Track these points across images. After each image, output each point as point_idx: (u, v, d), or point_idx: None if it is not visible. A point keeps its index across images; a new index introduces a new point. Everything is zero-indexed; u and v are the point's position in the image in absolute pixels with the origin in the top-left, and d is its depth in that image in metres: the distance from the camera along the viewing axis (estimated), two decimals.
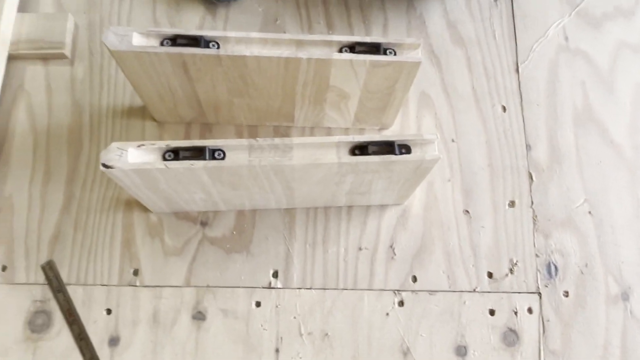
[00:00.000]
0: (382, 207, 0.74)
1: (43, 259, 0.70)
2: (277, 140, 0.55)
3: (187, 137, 0.75)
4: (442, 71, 0.81)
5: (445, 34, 0.83)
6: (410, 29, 0.83)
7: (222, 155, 0.55)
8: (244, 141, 0.55)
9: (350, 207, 0.74)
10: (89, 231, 0.71)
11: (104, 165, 0.53)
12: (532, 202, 0.75)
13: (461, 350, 0.68)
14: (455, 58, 0.82)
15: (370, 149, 0.55)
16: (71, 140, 0.75)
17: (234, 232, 0.72)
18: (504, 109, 0.80)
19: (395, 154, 0.55)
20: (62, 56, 0.77)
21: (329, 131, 0.76)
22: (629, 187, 0.76)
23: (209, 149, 0.54)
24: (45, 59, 0.78)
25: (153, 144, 0.54)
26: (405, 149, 0.56)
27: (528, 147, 0.78)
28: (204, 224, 0.72)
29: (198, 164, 0.54)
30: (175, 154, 0.54)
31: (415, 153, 0.56)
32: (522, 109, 0.80)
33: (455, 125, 0.78)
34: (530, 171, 0.77)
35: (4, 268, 0.69)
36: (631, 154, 0.78)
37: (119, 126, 0.76)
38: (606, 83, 0.81)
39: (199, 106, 0.70)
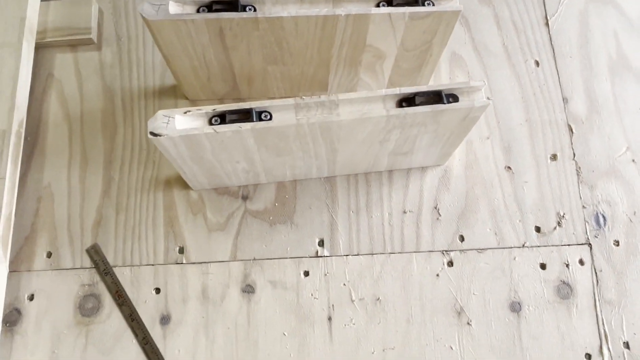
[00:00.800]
0: (423, 169, 0.73)
1: (87, 244, 0.69)
2: (323, 97, 0.54)
3: None
4: (471, 30, 0.80)
5: None
6: None
7: (268, 116, 0.54)
8: (290, 100, 0.54)
9: (390, 172, 0.73)
10: (131, 212, 0.71)
11: (152, 134, 0.52)
12: (574, 154, 0.74)
13: (515, 306, 0.67)
14: (483, 17, 0.81)
15: (418, 99, 0.54)
16: (105, 125, 0.75)
17: (276, 204, 0.71)
18: (537, 63, 0.78)
19: (444, 103, 0.54)
20: (89, 42, 0.77)
21: None
22: None
23: (255, 111, 0.54)
24: (72, 45, 0.78)
25: (199, 109, 0.53)
26: (453, 97, 0.55)
27: (565, 100, 0.77)
28: (245, 197, 0.71)
29: (246, 125, 0.53)
30: (221, 118, 0.54)
31: (463, 101, 0.55)
32: (555, 62, 0.78)
33: (489, 83, 0.77)
34: (570, 123, 0.76)
35: (50, 255, 0.69)
36: None
37: (152, 106, 0.75)
38: (638, 30, 0.80)
39: (232, 79, 0.69)
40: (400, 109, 0.54)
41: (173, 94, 0.76)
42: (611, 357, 0.65)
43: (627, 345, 0.66)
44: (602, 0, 0.82)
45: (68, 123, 0.75)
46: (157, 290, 0.68)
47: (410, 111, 0.54)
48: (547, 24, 0.80)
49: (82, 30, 0.76)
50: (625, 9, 0.81)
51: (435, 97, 0.55)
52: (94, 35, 0.77)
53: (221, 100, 0.75)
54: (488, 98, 0.76)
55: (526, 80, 0.78)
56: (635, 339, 0.66)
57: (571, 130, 0.75)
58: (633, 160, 0.74)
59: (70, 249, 0.69)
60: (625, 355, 0.65)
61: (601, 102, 0.77)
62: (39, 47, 0.77)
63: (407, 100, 0.55)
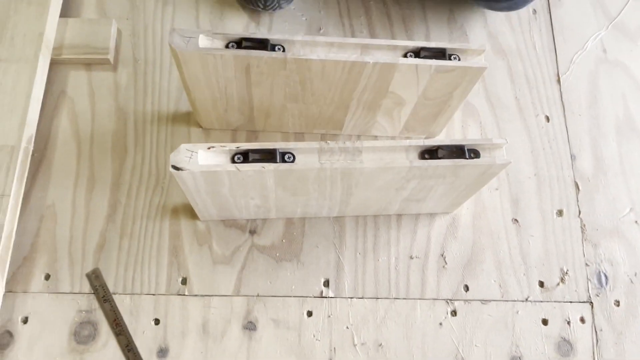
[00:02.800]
0: (431, 215, 0.73)
1: (88, 268, 0.68)
2: (348, 144, 0.54)
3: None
4: (485, 81, 0.81)
5: (486, 45, 0.83)
6: (452, 40, 0.83)
7: (291, 158, 0.54)
8: (314, 144, 0.54)
9: (399, 216, 0.73)
10: (135, 239, 0.69)
11: (174, 167, 0.52)
12: (580, 212, 0.75)
13: None
14: (497, 69, 0.82)
15: (440, 152, 0.55)
16: (115, 147, 0.74)
17: (284, 241, 0.71)
18: (547, 119, 0.80)
19: (466, 158, 0.55)
20: (105, 62, 0.76)
21: (375, 139, 0.76)
22: None
23: (279, 152, 0.53)
24: (88, 64, 0.77)
25: (224, 146, 0.53)
26: (474, 153, 0.55)
27: (573, 157, 0.78)
28: (252, 232, 0.71)
29: (269, 166, 0.53)
30: (244, 156, 0.53)
31: (485, 157, 0.55)
32: (565, 119, 0.80)
33: (500, 134, 0.78)
34: (576, 180, 0.77)
35: (48, 277, 0.67)
36: None
37: (164, 132, 0.75)
38: None
39: (250, 112, 0.69)
40: (424, 161, 0.54)
41: (186, 120, 0.75)
42: None
43: None
44: (612, 62, 0.84)
45: (77, 142, 0.73)
46: (157, 322, 0.66)
47: (433, 164, 0.54)
48: (558, 81, 0.82)
49: (100, 50, 0.76)
50: (634, 72, 0.84)
51: (458, 151, 0.55)
52: (111, 56, 0.76)
53: (234, 131, 0.75)
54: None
55: (536, 134, 0.79)
56: None
57: (577, 187, 0.77)
58: (636, 222, 0.75)
59: (69, 272, 0.67)
60: None
61: (607, 162, 0.78)
62: (54, 64, 0.76)
63: (429, 152, 0.55)
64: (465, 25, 0.84)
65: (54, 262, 0.68)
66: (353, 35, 0.82)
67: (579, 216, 0.75)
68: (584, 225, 0.75)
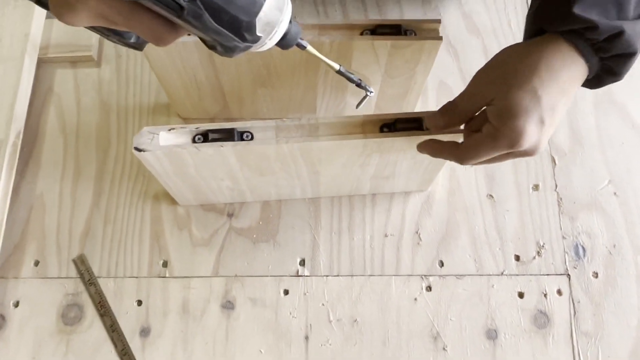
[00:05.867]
0: (406, 194, 0.74)
1: (74, 254, 0.71)
2: (304, 120, 0.56)
3: None
4: (460, 60, 0.82)
5: (461, 25, 0.84)
6: None
7: (250, 136, 0.56)
8: (271, 122, 0.56)
9: (374, 195, 0.74)
10: (119, 225, 0.72)
11: (137, 149, 0.54)
12: (557, 185, 0.75)
13: (492, 334, 0.68)
14: (471, 47, 0.83)
15: (399, 125, 0.56)
16: (99, 139, 0.77)
17: (260, 223, 0.73)
18: None
19: (423, 130, 0.56)
20: (89, 59, 0.80)
21: None
22: None
23: (237, 131, 0.55)
24: (73, 62, 0.81)
25: (183, 127, 0.55)
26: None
27: None
28: (230, 215, 0.73)
29: (227, 144, 0.55)
30: (204, 136, 0.56)
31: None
32: None
33: None
34: (553, 155, 0.77)
35: (37, 263, 0.70)
36: None
37: (145, 123, 0.78)
38: None
39: (223, 99, 0.72)
40: (377, 135, 0.56)
41: (166, 112, 0.78)
42: None
43: None
44: None
45: (64, 136, 0.77)
46: (139, 303, 0.69)
47: (388, 138, 0.56)
48: None
49: (83, 48, 0.79)
50: None
51: (415, 124, 0.56)
52: (94, 53, 0.80)
53: (212, 120, 0.77)
54: None
55: None
56: None
57: (554, 161, 0.77)
58: (615, 194, 0.75)
59: (57, 258, 0.71)
60: None
61: (584, 135, 0.78)
62: (41, 62, 0.80)
63: (388, 126, 0.57)
64: (440, 6, 0.85)
65: (42, 249, 0.71)
66: None
67: (555, 190, 0.75)
68: (561, 199, 0.75)
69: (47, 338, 0.67)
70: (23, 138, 0.75)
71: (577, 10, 0.44)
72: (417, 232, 0.73)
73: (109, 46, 0.83)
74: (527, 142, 0.45)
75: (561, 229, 0.73)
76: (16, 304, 0.69)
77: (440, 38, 0.59)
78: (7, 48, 0.76)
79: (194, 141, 0.56)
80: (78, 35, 0.80)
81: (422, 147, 0.55)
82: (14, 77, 0.75)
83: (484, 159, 0.49)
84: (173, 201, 0.73)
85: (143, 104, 0.79)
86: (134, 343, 0.67)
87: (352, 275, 0.70)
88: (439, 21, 0.60)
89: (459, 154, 0.50)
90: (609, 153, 0.77)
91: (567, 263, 0.71)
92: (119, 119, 0.78)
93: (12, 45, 0.76)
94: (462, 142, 0.51)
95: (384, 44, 0.60)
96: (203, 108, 0.74)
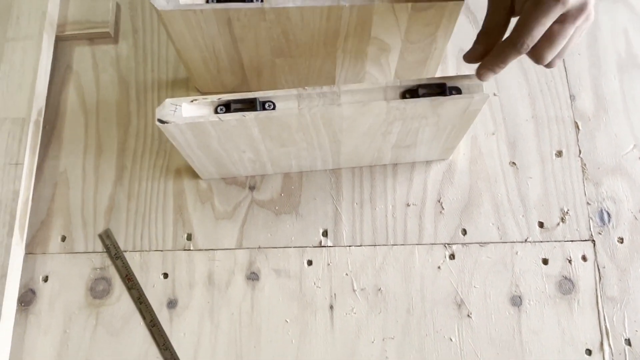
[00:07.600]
0: (427, 163, 0.74)
1: (100, 229, 0.72)
2: (325, 88, 0.55)
3: None
4: (479, 27, 0.80)
5: None
6: None
7: (272, 106, 0.56)
8: (293, 90, 0.55)
9: (395, 165, 0.74)
10: (142, 200, 0.73)
11: (160, 121, 0.55)
12: (580, 151, 0.74)
13: (516, 300, 0.68)
14: None
15: (421, 91, 0.55)
16: (120, 115, 0.77)
17: (282, 195, 0.73)
18: None
19: (446, 95, 0.55)
20: (106, 35, 0.80)
21: None
22: None
23: (259, 101, 0.55)
24: (91, 39, 0.81)
25: (205, 98, 0.55)
26: (456, 90, 0.56)
27: (572, 97, 0.77)
28: (252, 188, 0.73)
29: (249, 114, 0.55)
30: (227, 107, 0.56)
31: (464, 94, 0.56)
32: (563, 60, 0.79)
33: (496, 79, 0.78)
34: (576, 120, 0.76)
35: (64, 238, 0.72)
36: None
37: (164, 98, 0.77)
38: None
39: (241, 71, 0.71)
40: (400, 100, 0.55)
41: (185, 86, 0.78)
42: (612, 353, 0.65)
43: (628, 342, 0.66)
44: None
45: (84, 113, 0.77)
46: (165, 275, 0.70)
47: (410, 102, 0.55)
48: None
49: (100, 24, 0.79)
50: (636, 7, 0.81)
51: (438, 89, 0.56)
52: (110, 29, 0.80)
53: (231, 93, 0.77)
54: (494, 94, 0.77)
55: (533, 76, 0.78)
56: (637, 336, 0.66)
57: (577, 127, 0.76)
58: None
59: (83, 233, 0.72)
60: (627, 352, 0.65)
61: (609, 100, 0.77)
62: (59, 40, 0.80)
63: (410, 92, 0.56)
64: None
65: (68, 224, 0.72)
66: None
67: (579, 156, 0.74)
68: (585, 165, 0.74)
69: (77, 311, 0.68)
70: (45, 116, 0.76)
71: None
72: (439, 201, 0.72)
73: (126, 22, 0.82)
74: None
75: (585, 194, 0.72)
76: (45, 279, 0.70)
77: (462, 0, 0.58)
78: (25, 26, 0.76)
79: (216, 112, 0.56)
80: (94, 12, 0.80)
81: (483, 68, 0.54)
82: (33, 56, 0.75)
83: (541, 31, 0.47)
84: (195, 175, 0.73)
85: (162, 79, 0.79)
86: (162, 315, 0.68)
87: (375, 245, 0.70)
88: None
89: (515, 39, 0.49)
90: (634, 117, 0.75)
91: (591, 229, 0.71)
92: (138, 94, 0.78)
93: (29, 23, 0.77)
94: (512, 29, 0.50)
95: (404, 7, 0.59)
96: (221, 81, 0.74)
